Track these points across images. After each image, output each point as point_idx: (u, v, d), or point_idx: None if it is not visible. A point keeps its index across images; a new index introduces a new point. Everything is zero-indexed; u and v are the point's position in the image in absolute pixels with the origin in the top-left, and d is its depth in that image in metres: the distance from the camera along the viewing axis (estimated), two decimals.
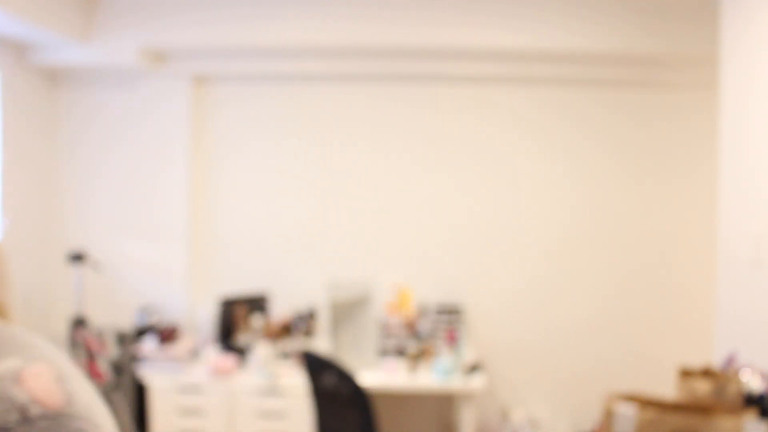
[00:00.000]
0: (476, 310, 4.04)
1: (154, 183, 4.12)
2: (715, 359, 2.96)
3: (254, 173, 4.17)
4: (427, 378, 3.44)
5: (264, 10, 3.84)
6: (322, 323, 3.88)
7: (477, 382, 3.42)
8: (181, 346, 3.66)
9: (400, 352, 3.68)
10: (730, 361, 2.60)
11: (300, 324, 3.86)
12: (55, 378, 0.67)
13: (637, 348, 4.03)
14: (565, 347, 4.06)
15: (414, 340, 3.72)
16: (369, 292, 3.60)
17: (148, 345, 3.63)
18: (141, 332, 3.83)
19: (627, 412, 1.66)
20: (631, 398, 1.81)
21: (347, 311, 3.59)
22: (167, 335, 3.78)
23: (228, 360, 3.52)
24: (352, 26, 3.81)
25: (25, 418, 0.63)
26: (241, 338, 3.78)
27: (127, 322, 3.99)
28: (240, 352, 3.70)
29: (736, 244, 2.89)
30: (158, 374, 3.52)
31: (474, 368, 3.49)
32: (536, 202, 4.08)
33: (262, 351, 3.54)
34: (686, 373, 2.28)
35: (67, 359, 0.72)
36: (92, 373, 3.67)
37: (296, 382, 3.38)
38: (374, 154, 4.14)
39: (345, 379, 2.50)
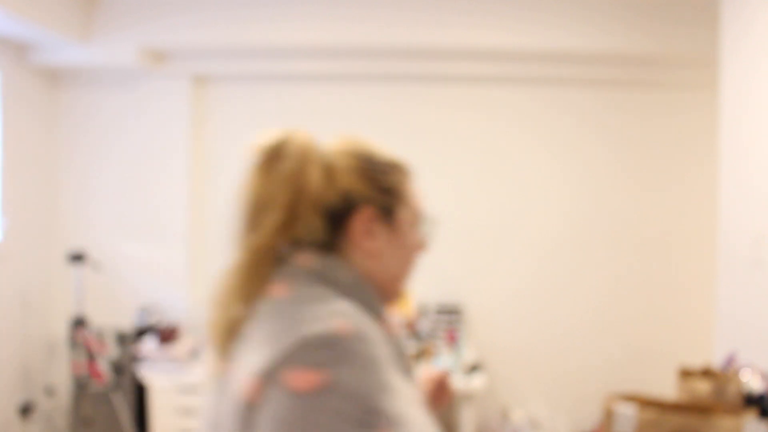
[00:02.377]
0: (476, 310, 4.04)
1: (154, 183, 4.12)
2: (715, 359, 2.96)
3: None
4: None
5: (264, 10, 3.84)
6: None
7: (477, 382, 3.42)
8: (181, 346, 3.66)
9: None
10: (730, 361, 2.60)
11: None
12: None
13: (637, 348, 4.03)
14: (565, 347, 4.05)
15: (414, 340, 3.72)
16: None
17: (148, 345, 3.63)
18: (141, 332, 3.83)
19: (627, 412, 1.66)
20: (631, 398, 1.81)
21: None
22: (167, 335, 3.77)
23: None
24: (352, 26, 3.81)
25: None
26: None
27: (127, 322, 3.99)
28: None
29: (736, 244, 2.89)
30: (158, 374, 3.52)
31: (474, 368, 3.49)
32: (536, 201, 4.08)
33: None
34: (686, 373, 2.28)
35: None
36: (92, 373, 3.67)
37: None
38: None
39: None
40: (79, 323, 3.67)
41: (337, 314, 0.87)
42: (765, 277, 2.68)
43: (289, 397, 0.80)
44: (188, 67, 4.06)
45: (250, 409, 0.84)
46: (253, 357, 0.86)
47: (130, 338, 3.82)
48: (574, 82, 4.05)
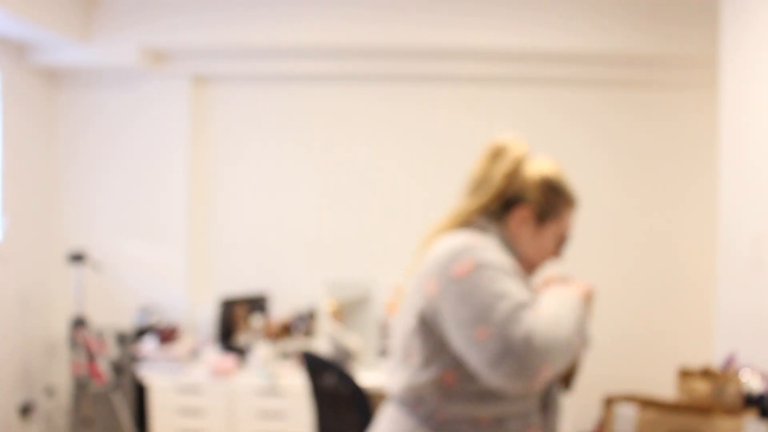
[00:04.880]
0: None
1: (154, 183, 4.12)
2: (715, 359, 2.96)
3: (254, 173, 4.17)
4: None
5: (264, 10, 3.84)
6: (322, 323, 3.88)
7: None
8: (181, 346, 3.66)
9: None
10: (730, 361, 2.60)
11: (300, 324, 3.86)
12: None
13: (637, 347, 4.03)
14: None
15: None
16: (369, 292, 3.60)
17: (148, 345, 3.63)
18: (141, 332, 3.83)
19: (627, 412, 1.67)
20: (631, 398, 1.81)
21: (347, 311, 3.59)
22: (167, 335, 3.77)
23: (228, 360, 3.52)
24: (353, 26, 3.81)
25: None
26: (241, 338, 3.78)
27: (127, 322, 3.99)
28: (240, 352, 3.70)
29: (736, 244, 2.89)
30: (158, 374, 3.52)
31: None
32: None
33: (262, 351, 3.54)
34: (686, 373, 2.28)
35: None
36: (92, 373, 3.67)
37: (296, 382, 3.38)
38: (374, 154, 4.14)
39: (345, 379, 2.50)
40: (79, 323, 3.67)
41: (469, 236, 1.34)
42: (765, 277, 2.68)
43: (457, 282, 1.26)
44: (188, 67, 4.06)
45: (428, 299, 1.32)
46: (427, 261, 1.35)
47: (130, 338, 3.82)
48: (574, 82, 4.05)
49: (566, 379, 1.54)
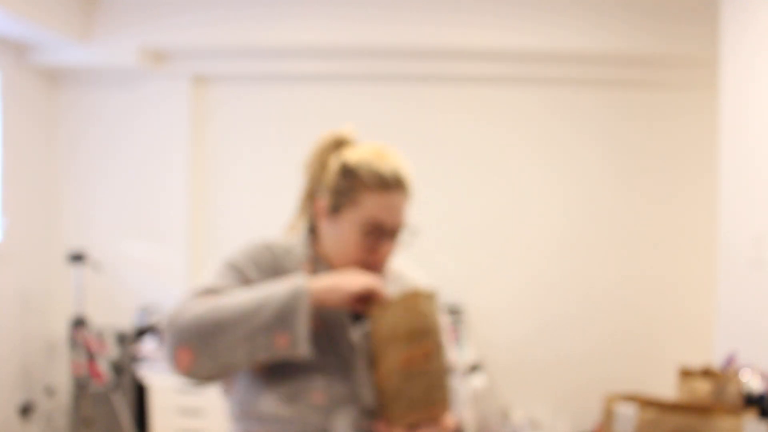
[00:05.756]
0: (476, 310, 4.04)
1: (154, 183, 4.12)
2: (715, 359, 2.96)
3: (254, 173, 4.17)
4: None
5: (264, 10, 3.84)
6: None
7: (477, 382, 3.42)
8: None
9: None
10: (730, 361, 2.60)
11: None
12: None
13: (637, 348, 4.03)
14: (566, 347, 4.06)
15: None
16: None
17: (148, 345, 3.63)
18: (141, 332, 3.83)
19: (627, 412, 1.67)
20: (631, 398, 1.82)
21: None
22: None
23: None
24: (353, 26, 3.81)
25: None
26: None
27: (127, 322, 3.99)
28: None
29: (736, 244, 2.89)
30: (158, 374, 3.52)
31: (474, 368, 3.49)
32: (536, 201, 4.08)
33: None
34: (686, 373, 2.28)
35: None
36: (92, 373, 3.67)
37: None
38: None
39: None
40: (79, 323, 3.67)
41: (259, 239, 1.35)
42: (765, 277, 2.68)
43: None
44: (188, 67, 4.06)
45: None
46: None
47: (130, 338, 3.82)
48: (574, 82, 4.05)
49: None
